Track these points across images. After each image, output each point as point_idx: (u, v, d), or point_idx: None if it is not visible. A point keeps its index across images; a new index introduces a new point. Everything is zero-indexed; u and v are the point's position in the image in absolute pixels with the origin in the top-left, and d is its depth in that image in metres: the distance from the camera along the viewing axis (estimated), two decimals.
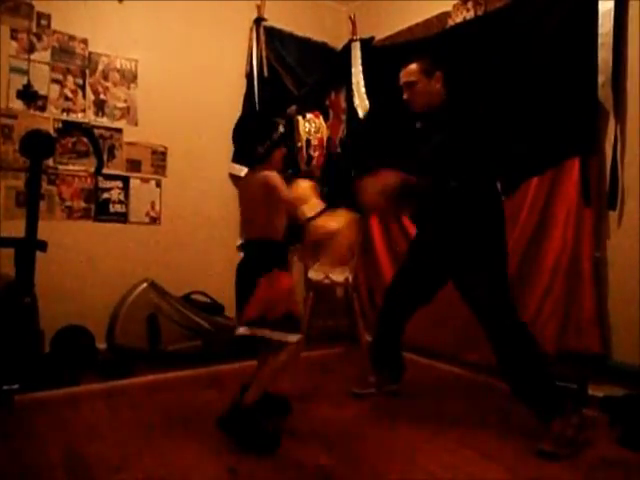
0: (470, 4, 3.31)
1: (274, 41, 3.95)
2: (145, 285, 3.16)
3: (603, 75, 2.58)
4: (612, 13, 2.55)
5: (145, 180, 3.48)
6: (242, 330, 2.04)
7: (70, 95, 3.19)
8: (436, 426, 2.31)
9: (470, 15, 3.30)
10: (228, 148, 3.78)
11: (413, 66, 2.41)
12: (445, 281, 2.50)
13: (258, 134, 2.12)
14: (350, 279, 3.82)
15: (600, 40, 2.58)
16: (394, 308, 2.66)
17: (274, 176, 2.06)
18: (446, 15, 3.45)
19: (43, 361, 2.72)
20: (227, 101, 3.80)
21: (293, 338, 2.06)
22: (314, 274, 3.86)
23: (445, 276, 2.47)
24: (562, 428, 2.03)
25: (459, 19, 3.36)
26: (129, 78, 3.40)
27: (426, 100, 2.38)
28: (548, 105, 2.80)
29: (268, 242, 2.10)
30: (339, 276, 3.82)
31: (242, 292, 2.10)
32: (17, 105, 3.00)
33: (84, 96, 3.25)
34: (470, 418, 2.40)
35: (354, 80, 4.01)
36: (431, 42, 3.47)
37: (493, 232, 2.32)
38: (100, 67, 3.30)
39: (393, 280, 2.72)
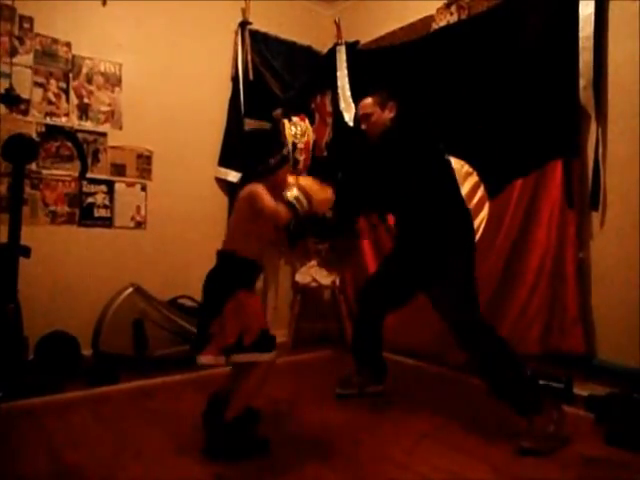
0: (453, 8, 3.34)
1: (259, 44, 3.95)
2: (131, 290, 3.13)
3: (584, 78, 2.62)
4: (592, 17, 2.60)
5: (130, 184, 3.45)
6: (213, 359, 1.94)
7: (53, 99, 3.16)
8: (425, 427, 2.32)
9: (454, 19, 3.34)
10: (214, 151, 3.80)
11: (368, 100, 2.57)
12: (417, 290, 2.54)
13: (270, 149, 2.07)
14: (337, 282, 3.83)
15: (581, 44, 2.63)
16: (369, 311, 2.70)
17: (258, 187, 1.96)
18: (430, 19, 3.48)
19: (27, 368, 2.68)
20: (212, 104, 3.80)
21: (270, 357, 1.99)
22: (301, 277, 3.87)
23: (416, 286, 2.52)
24: (543, 425, 2.06)
25: (443, 23, 3.40)
26: (113, 81, 3.38)
27: (379, 129, 2.52)
28: (531, 108, 2.84)
29: (237, 258, 2.02)
30: (326, 279, 3.83)
31: (207, 306, 2.04)
32: None
33: (67, 100, 3.21)
34: (458, 419, 2.41)
35: (339, 84, 4.03)
36: (415, 45, 3.51)
37: (460, 242, 2.36)
38: (84, 70, 3.27)
39: (367, 283, 2.79)
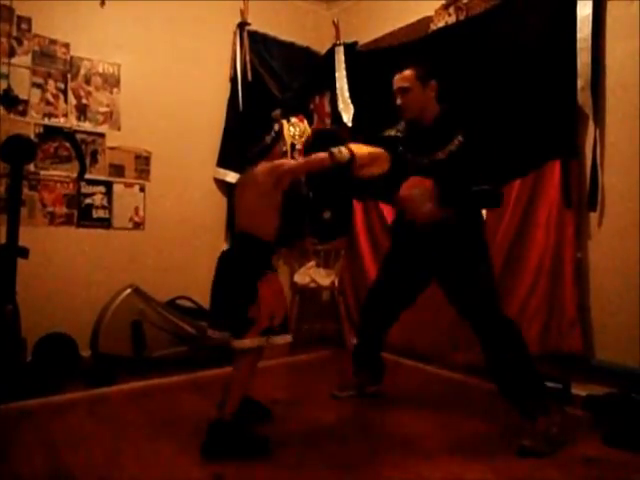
0: (452, 9, 3.35)
1: (258, 45, 3.96)
2: (129, 291, 3.13)
3: (582, 79, 2.62)
4: (590, 18, 2.60)
5: (128, 185, 3.45)
6: (257, 342, 2.00)
7: (51, 99, 3.15)
8: (423, 428, 2.32)
9: (452, 20, 3.34)
10: (213, 152, 3.80)
11: (408, 72, 2.38)
12: (426, 285, 2.53)
13: (261, 129, 2.18)
14: (336, 282, 3.83)
15: (579, 45, 2.63)
16: (376, 312, 2.68)
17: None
18: (428, 20, 3.49)
19: (25, 370, 2.68)
20: (211, 105, 3.80)
21: (289, 338, 2.09)
22: (300, 278, 3.87)
23: (426, 281, 2.50)
24: (546, 426, 2.06)
25: (441, 24, 3.40)
26: (112, 82, 3.37)
27: (418, 107, 2.38)
28: (529, 108, 2.84)
29: (258, 241, 2.08)
30: (325, 279, 3.83)
31: (237, 290, 2.05)
32: None
33: (66, 100, 3.21)
34: (457, 419, 2.42)
35: (338, 84, 4.03)
36: (413, 46, 3.51)
37: (478, 236, 2.35)
38: (82, 71, 3.26)
39: (375, 284, 2.74)
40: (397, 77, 2.41)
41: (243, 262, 2.07)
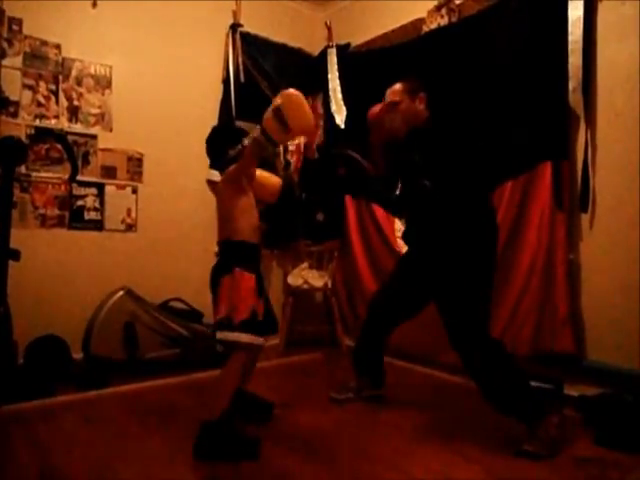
0: (444, 11, 3.36)
1: (250, 47, 3.95)
2: (121, 293, 3.11)
3: (574, 81, 2.64)
4: (581, 20, 2.62)
5: (121, 187, 3.44)
6: (218, 334, 2.02)
7: (43, 101, 3.14)
8: (417, 429, 2.32)
9: (444, 22, 3.35)
10: (205, 154, 3.78)
11: (398, 86, 2.44)
12: (430, 300, 2.50)
13: (229, 140, 2.19)
14: (329, 284, 3.83)
15: (570, 46, 2.65)
16: (379, 319, 2.65)
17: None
18: (420, 22, 3.50)
19: (17, 372, 2.66)
20: (204, 107, 3.79)
21: (249, 339, 1.99)
22: (293, 279, 3.87)
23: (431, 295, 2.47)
24: (544, 429, 2.05)
25: (433, 25, 3.41)
26: (103, 84, 3.36)
27: (408, 119, 2.39)
28: (521, 110, 2.85)
29: (230, 242, 2.12)
30: (318, 281, 3.83)
31: (212, 292, 2.12)
32: None
33: (57, 102, 3.19)
34: (451, 421, 2.42)
35: (331, 86, 4.04)
36: (406, 48, 3.52)
37: (484, 252, 2.29)
38: (74, 73, 3.25)
39: (380, 291, 2.72)
40: (388, 91, 2.47)
41: (218, 264, 2.14)
